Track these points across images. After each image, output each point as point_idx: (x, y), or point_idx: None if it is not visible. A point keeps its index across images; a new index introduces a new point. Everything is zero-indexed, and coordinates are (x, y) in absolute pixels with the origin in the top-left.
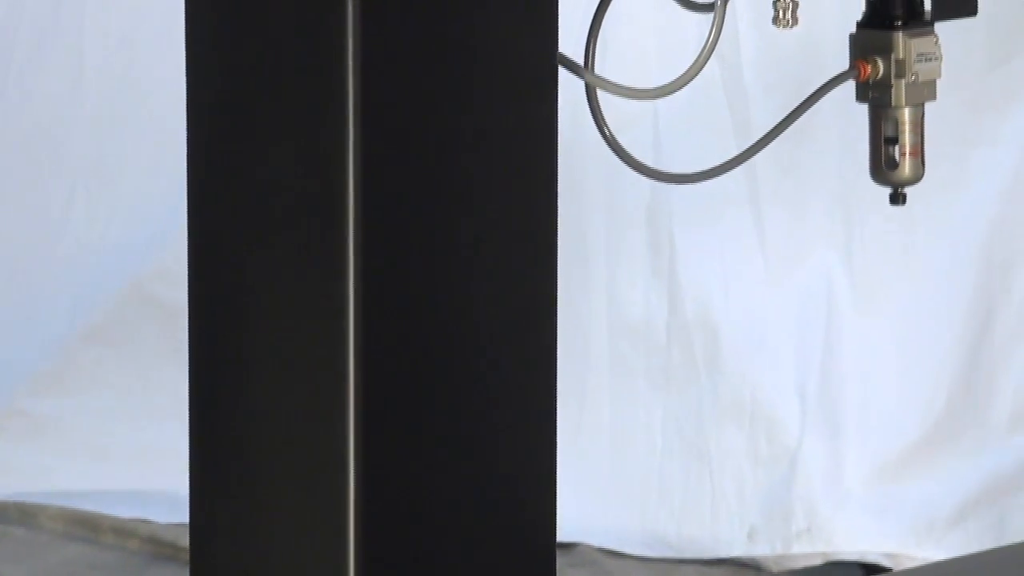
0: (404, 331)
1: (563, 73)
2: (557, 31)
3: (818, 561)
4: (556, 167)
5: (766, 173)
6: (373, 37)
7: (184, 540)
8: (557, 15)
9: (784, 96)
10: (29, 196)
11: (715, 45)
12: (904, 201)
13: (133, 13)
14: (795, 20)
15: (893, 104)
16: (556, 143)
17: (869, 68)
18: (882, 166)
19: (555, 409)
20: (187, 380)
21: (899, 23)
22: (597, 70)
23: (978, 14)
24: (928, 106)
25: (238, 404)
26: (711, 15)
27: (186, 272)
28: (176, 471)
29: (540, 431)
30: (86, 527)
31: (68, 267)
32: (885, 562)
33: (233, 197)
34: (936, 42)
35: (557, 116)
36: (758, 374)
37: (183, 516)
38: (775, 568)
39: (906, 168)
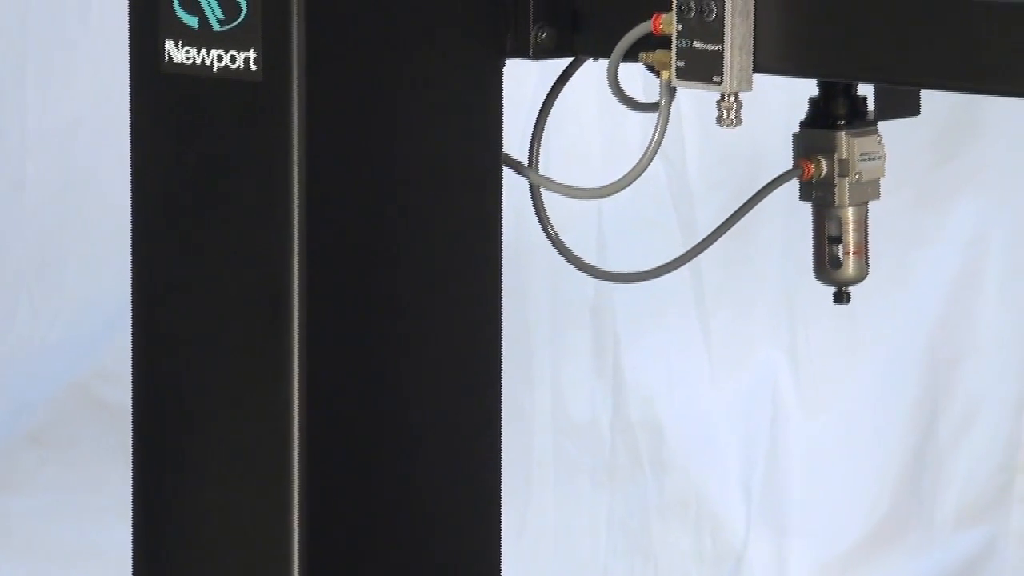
0: (349, 434)
1: (508, 173)
2: (501, 131)
3: None
4: (501, 266)
5: (711, 272)
6: (319, 137)
7: None
8: (501, 115)
9: (728, 195)
10: None
11: (659, 144)
12: (848, 300)
13: (76, 117)
14: (739, 120)
15: (837, 203)
16: (501, 242)
17: (812, 167)
18: (826, 265)
19: (499, 508)
20: (131, 480)
21: (842, 122)
22: (541, 169)
23: (921, 113)
24: (872, 205)
25: (182, 504)
26: (655, 115)
27: (130, 372)
28: (120, 572)
29: (485, 530)
30: None
31: (10, 368)
32: None
33: (177, 297)
34: (879, 141)
35: (502, 215)
36: (703, 472)
37: None
38: None
39: (850, 267)
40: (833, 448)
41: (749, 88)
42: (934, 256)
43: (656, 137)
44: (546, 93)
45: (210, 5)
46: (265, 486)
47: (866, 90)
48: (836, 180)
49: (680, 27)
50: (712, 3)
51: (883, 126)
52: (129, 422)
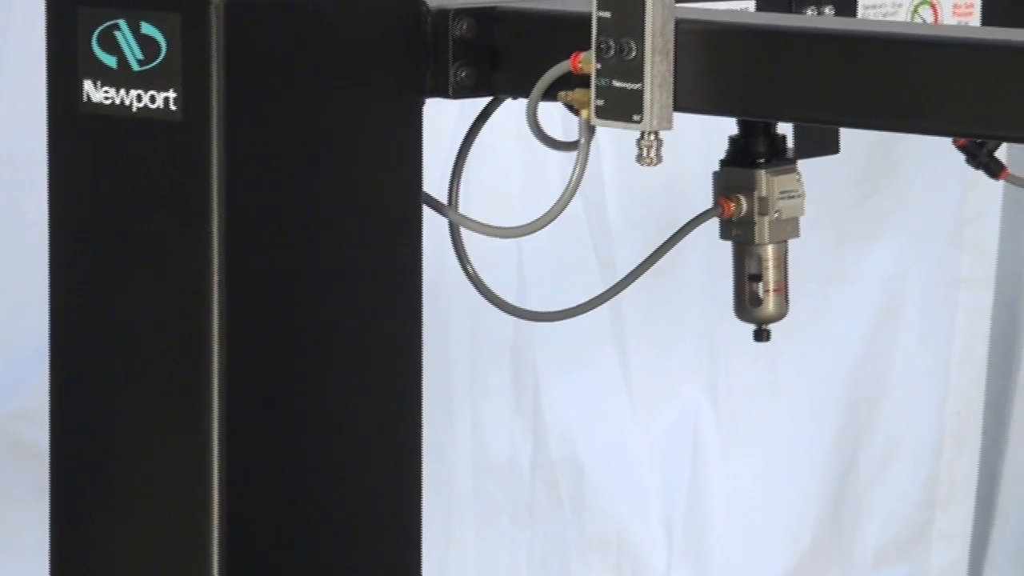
0: (269, 476)
1: (427, 212)
2: (421, 170)
3: None
4: (421, 305)
5: (631, 310)
6: (239, 177)
7: None
8: (421, 154)
9: (648, 233)
10: None
11: (579, 183)
12: (768, 338)
13: None
14: (659, 158)
15: (756, 241)
16: (421, 281)
17: (732, 205)
18: (746, 303)
19: (420, 547)
20: (48, 521)
21: (762, 161)
22: (461, 208)
23: (840, 151)
24: (792, 242)
25: (99, 545)
26: (575, 153)
27: (47, 412)
28: None
29: (406, 570)
30: None
31: None
32: None
33: (96, 337)
34: (799, 179)
35: (421, 255)
36: (624, 510)
37: None
38: None
39: (770, 305)
40: (754, 486)
41: (669, 127)
42: (854, 294)
43: (575, 176)
44: (466, 132)
45: (129, 45)
46: (184, 527)
47: (786, 128)
48: (756, 218)
49: (599, 66)
50: (632, 42)
51: (803, 164)
52: (47, 462)
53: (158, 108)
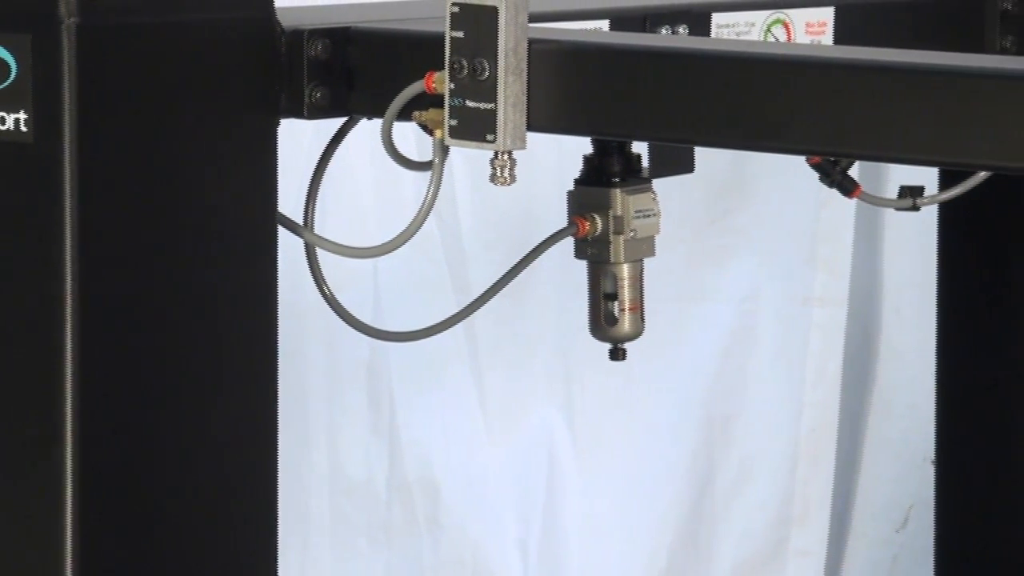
0: (121, 500)
1: (283, 232)
2: (276, 190)
3: None
4: (276, 326)
5: (486, 330)
6: (92, 199)
7: None
8: (276, 175)
9: (503, 253)
10: None
11: (433, 203)
12: (624, 356)
13: None
14: (512, 178)
15: (612, 260)
16: (276, 302)
17: (587, 224)
18: (602, 322)
19: (276, 569)
20: None
21: (617, 180)
22: (317, 229)
23: (695, 170)
24: (647, 261)
25: None
26: (429, 173)
27: None
28: None
29: None
30: None
31: None
32: None
33: None
34: (654, 198)
35: (277, 276)
36: (480, 530)
37: None
38: None
39: (626, 324)
40: (610, 505)
41: (523, 146)
42: (709, 313)
43: (429, 196)
44: (321, 152)
45: None
46: (36, 560)
47: (640, 147)
48: (611, 237)
49: (453, 86)
50: (485, 62)
51: (658, 183)
52: None
53: (8, 130)
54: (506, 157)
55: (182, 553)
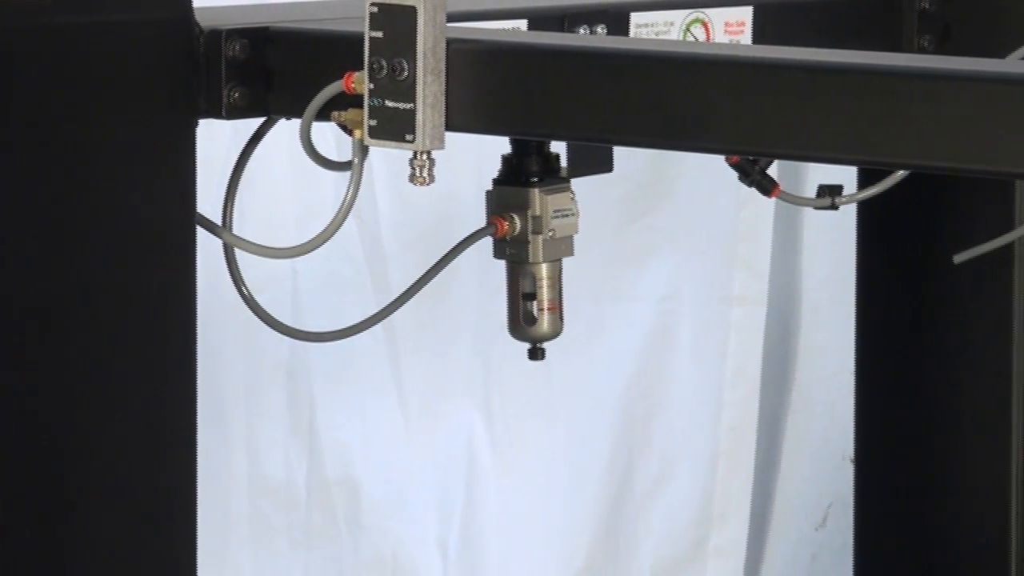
0: (32, 503)
1: (201, 233)
2: (195, 191)
3: None
4: (195, 327)
5: (405, 330)
6: (2, 200)
7: None
8: (194, 175)
9: (422, 253)
10: None
11: (352, 204)
12: (543, 356)
13: None
14: (431, 178)
15: (530, 260)
16: (195, 303)
17: (506, 224)
18: (520, 322)
19: (195, 571)
20: None
21: (535, 180)
22: (235, 229)
23: (614, 170)
24: (566, 261)
25: None
26: (348, 173)
27: None
28: None
29: None
30: None
31: None
32: None
33: None
34: (572, 198)
35: (195, 276)
36: (399, 530)
37: None
38: None
39: (544, 324)
40: (529, 504)
41: (441, 146)
42: (628, 312)
43: (349, 196)
44: (239, 153)
45: None
46: None
47: (559, 147)
48: (530, 237)
49: (372, 86)
50: (404, 62)
51: (576, 183)
52: None
53: None
54: (425, 157)
55: (100, 556)
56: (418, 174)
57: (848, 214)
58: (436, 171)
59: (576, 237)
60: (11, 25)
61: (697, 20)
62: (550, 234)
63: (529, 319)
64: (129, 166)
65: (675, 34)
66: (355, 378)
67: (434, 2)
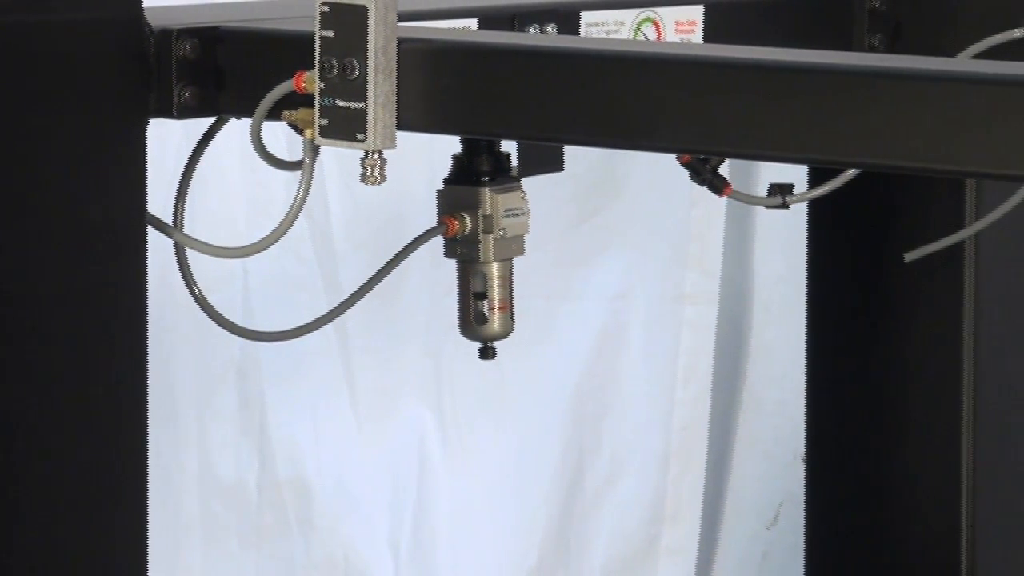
0: None
1: (152, 233)
2: (145, 191)
3: None
4: (146, 327)
5: (356, 330)
6: None
7: None
8: (145, 175)
9: (373, 252)
10: None
11: (303, 203)
12: (494, 356)
13: None
14: (383, 177)
15: (481, 259)
16: (146, 303)
17: (457, 224)
18: (471, 321)
19: (146, 571)
20: None
21: (486, 179)
22: (186, 229)
23: (564, 169)
24: (517, 260)
25: None
26: (299, 173)
27: None
28: None
29: None
30: None
31: None
32: None
33: None
34: (523, 197)
35: (146, 276)
36: (351, 530)
37: None
38: None
39: (495, 323)
40: (480, 503)
41: (393, 146)
42: (579, 311)
43: (300, 196)
44: (190, 152)
45: None
46: None
47: (510, 146)
48: (480, 236)
49: (323, 85)
50: (355, 61)
51: (527, 182)
52: None
53: None
54: (376, 156)
55: (50, 557)
56: (369, 173)
57: (799, 213)
58: (387, 170)
59: (527, 236)
60: None
61: (648, 19)
62: (501, 233)
63: (480, 318)
64: (79, 166)
65: (626, 33)
66: (306, 378)
67: (385, 1)
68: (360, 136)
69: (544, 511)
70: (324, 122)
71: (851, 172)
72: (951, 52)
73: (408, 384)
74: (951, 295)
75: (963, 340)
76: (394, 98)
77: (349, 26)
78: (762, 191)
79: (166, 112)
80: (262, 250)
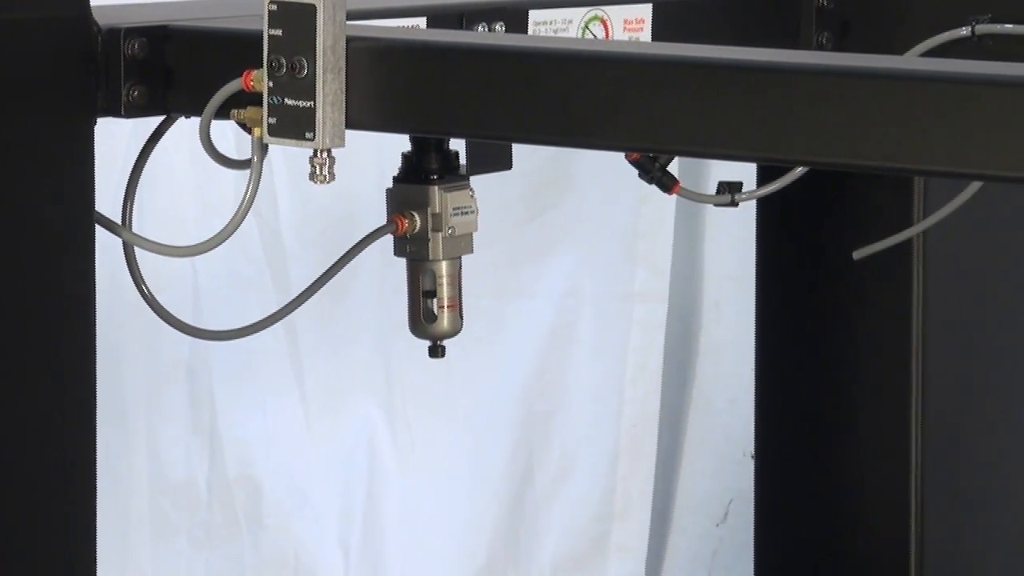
0: None
1: (101, 232)
2: (93, 190)
3: None
4: (94, 326)
5: (306, 328)
6: None
7: None
8: (93, 174)
9: (322, 251)
10: None
11: (252, 202)
12: (443, 354)
13: None
14: (332, 176)
15: (430, 258)
16: (94, 303)
17: (406, 222)
18: (421, 319)
19: (95, 570)
20: None
21: (435, 177)
22: (135, 228)
23: (513, 167)
24: (466, 259)
25: None
26: (248, 172)
27: None
28: None
29: None
30: None
31: None
32: None
33: None
34: (472, 195)
35: (95, 275)
36: (301, 529)
37: None
38: None
39: (445, 321)
40: (430, 502)
41: (342, 144)
42: (528, 309)
43: (248, 194)
44: (139, 151)
45: None
46: None
47: (458, 145)
48: (429, 235)
49: (271, 84)
50: (303, 60)
51: (476, 180)
52: None
53: None
54: (325, 155)
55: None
56: (318, 172)
57: (749, 211)
58: (336, 169)
59: (476, 234)
60: None
61: (596, 17)
62: (450, 232)
63: (429, 316)
64: (27, 165)
65: (574, 32)
66: (256, 376)
67: (334, 0)
68: (309, 135)
69: (494, 509)
70: (273, 121)
71: (799, 170)
72: (899, 50)
73: (358, 382)
74: (900, 293)
75: (912, 338)
76: (343, 97)
77: (298, 24)
78: (711, 189)
79: (114, 111)
80: (211, 249)
